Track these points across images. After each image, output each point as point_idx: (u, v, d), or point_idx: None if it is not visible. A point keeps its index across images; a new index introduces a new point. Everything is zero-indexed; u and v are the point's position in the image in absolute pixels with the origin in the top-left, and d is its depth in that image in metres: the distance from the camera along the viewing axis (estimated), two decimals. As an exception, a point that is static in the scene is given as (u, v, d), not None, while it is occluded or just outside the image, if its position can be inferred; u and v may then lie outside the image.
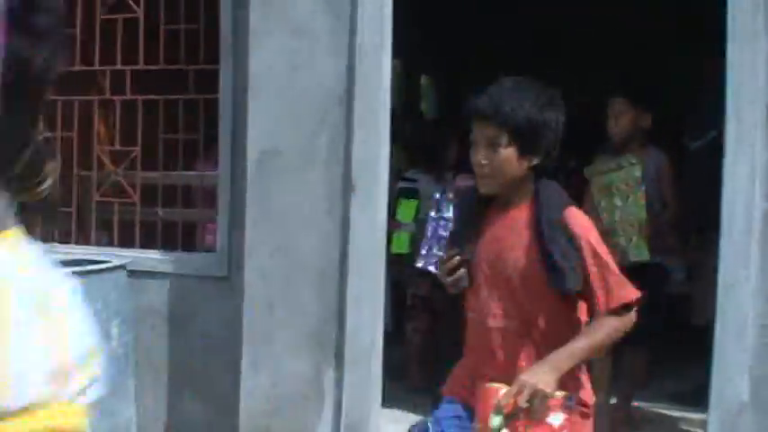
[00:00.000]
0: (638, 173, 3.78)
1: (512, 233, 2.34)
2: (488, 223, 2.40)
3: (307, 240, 3.55)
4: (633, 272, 3.68)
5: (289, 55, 3.61)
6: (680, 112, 4.61)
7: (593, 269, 2.22)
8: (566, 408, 2.18)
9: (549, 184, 2.36)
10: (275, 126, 3.65)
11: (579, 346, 2.21)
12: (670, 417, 4.05)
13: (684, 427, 3.86)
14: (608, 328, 2.23)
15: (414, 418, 4.18)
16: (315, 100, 3.58)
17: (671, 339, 4.42)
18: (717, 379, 3.15)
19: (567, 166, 5.64)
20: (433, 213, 4.25)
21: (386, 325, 4.79)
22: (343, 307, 3.57)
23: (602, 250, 2.26)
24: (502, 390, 2.17)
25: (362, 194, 3.53)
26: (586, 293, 2.26)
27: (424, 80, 11.37)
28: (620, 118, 3.83)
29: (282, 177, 3.64)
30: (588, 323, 2.31)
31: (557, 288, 2.26)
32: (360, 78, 3.52)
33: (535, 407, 2.10)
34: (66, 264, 3.66)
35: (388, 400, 4.49)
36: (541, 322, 2.31)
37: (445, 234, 3.89)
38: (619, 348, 3.58)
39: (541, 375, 2.13)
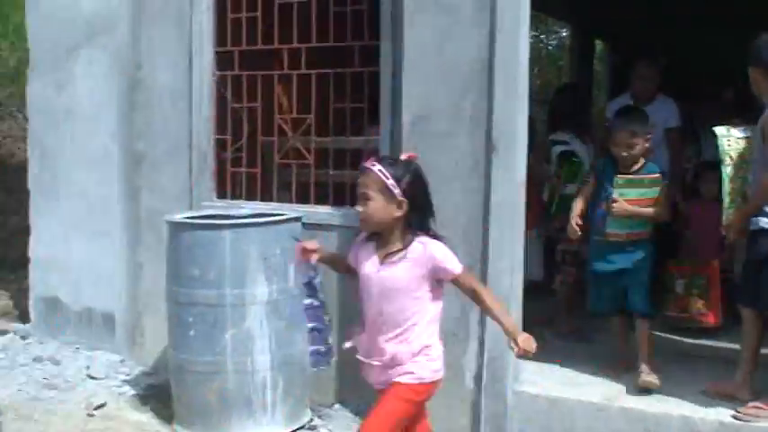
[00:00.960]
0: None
1: None
2: None
3: (453, 195, 3.89)
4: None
5: (438, 30, 3.99)
6: None
7: None
8: None
9: None
10: (426, 94, 4.03)
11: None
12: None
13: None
14: None
15: (552, 358, 4.49)
16: (460, 69, 3.94)
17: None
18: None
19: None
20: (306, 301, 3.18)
21: (537, 275, 5.12)
22: (485, 256, 3.91)
23: None
24: None
25: (503, 154, 3.86)
26: None
27: (598, 45, 11.37)
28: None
29: (432, 140, 4.01)
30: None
31: None
32: (500, 49, 3.83)
33: None
34: (252, 217, 4.28)
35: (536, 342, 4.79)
36: None
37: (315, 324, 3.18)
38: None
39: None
